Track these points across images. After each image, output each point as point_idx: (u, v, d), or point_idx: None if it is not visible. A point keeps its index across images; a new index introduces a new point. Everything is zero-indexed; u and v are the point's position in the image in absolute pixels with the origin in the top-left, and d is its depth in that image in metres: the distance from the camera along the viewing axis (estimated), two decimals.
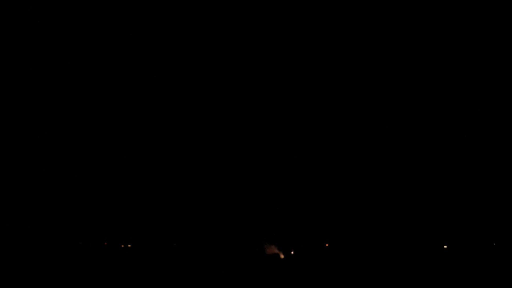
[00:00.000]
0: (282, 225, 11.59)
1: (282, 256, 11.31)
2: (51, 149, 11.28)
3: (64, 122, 11.25)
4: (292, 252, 11.37)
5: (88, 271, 10.92)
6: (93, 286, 10.39)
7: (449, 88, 11.67)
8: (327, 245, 11.51)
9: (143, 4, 11.09)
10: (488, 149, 11.66)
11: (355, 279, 10.71)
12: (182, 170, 11.55)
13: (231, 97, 11.44)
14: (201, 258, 11.27)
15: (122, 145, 11.40)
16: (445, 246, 11.63)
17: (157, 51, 11.37)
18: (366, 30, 11.40)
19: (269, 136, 11.55)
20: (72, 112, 11.26)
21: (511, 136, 11.48)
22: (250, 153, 11.54)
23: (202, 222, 11.52)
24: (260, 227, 11.51)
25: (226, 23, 11.27)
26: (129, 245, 11.29)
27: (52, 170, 11.30)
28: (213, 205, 11.54)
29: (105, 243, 11.25)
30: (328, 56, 11.52)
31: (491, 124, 11.65)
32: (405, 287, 10.51)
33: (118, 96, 11.32)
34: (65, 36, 11.17)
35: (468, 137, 11.67)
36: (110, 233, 11.37)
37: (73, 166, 11.35)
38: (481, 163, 11.70)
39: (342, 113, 11.57)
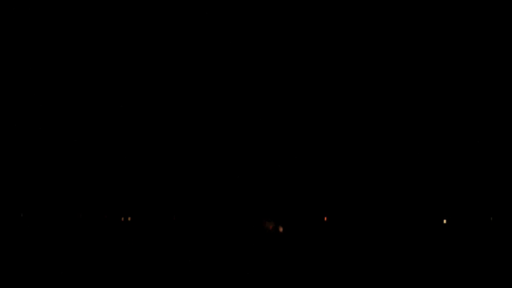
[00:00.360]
0: (281, 199, 11.59)
1: (281, 230, 11.31)
2: (50, 123, 11.34)
3: (64, 97, 11.32)
4: (290, 227, 11.37)
5: (88, 243, 10.91)
6: (93, 258, 10.45)
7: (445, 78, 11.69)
8: (325, 219, 11.49)
9: (143, 4, 11.12)
10: (484, 125, 11.66)
11: (353, 253, 10.71)
12: (182, 144, 11.58)
13: (226, 77, 11.49)
14: (200, 232, 11.28)
15: (120, 117, 11.45)
16: (444, 221, 11.59)
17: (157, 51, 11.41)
18: (366, 30, 11.42)
19: (265, 110, 11.58)
20: (70, 87, 11.32)
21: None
22: (247, 127, 11.57)
23: (201, 196, 11.54)
24: (259, 201, 11.51)
25: (226, 23, 11.31)
26: (129, 218, 11.32)
27: (50, 144, 11.34)
28: (212, 179, 11.57)
29: (105, 216, 11.30)
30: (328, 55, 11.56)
31: (488, 107, 11.66)
32: (404, 262, 10.50)
33: (114, 75, 11.38)
34: (65, 36, 11.22)
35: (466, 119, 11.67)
36: (110, 206, 11.39)
37: (72, 139, 11.40)
38: (478, 138, 11.69)
39: (336, 89, 11.60)
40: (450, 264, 10.44)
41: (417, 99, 11.58)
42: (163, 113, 11.42)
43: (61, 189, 11.27)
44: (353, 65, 11.48)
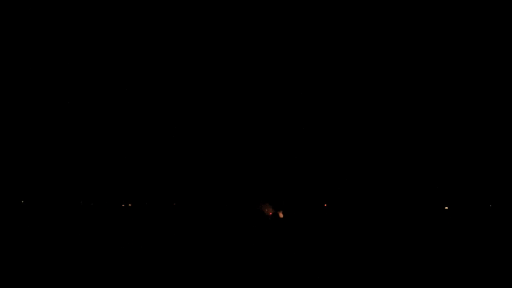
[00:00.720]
0: (281, 185, 11.50)
1: (281, 215, 11.19)
2: (54, 111, 11.37)
3: (69, 82, 11.37)
4: (291, 212, 11.25)
5: (88, 230, 10.84)
6: (93, 244, 10.32)
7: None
8: (325, 205, 11.39)
9: (143, 4, 11.27)
10: (484, 118, 11.66)
11: (353, 240, 10.42)
12: (181, 132, 11.54)
13: (230, 60, 11.52)
14: (200, 218, 11.19)
15: (121, 105, 11.47)
16: (446, 208, 11.49)
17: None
18: (366, 30, 11.52)
19: (265, 94, 11.60)
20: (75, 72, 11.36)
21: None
22: (246, 113, 11.54)
23: (201, 182, 11.46)
24: (259, 186, 11.43)
25: (226, 23, 11.42)
26: (129, 205, 11.22)
27: (54, 132, 11.35)
28: (212, 165, 11.50)
29: (106, 203, 11.23)
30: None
31: (489, 95, 11.67)
32: (404, 248, 10.30)
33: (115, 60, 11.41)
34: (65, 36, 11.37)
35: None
36: (110, 192, 11.32)
37: (75, 128, 11.41)
38: (479, 126, 11.66)
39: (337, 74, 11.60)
40: (450, 247, 10.27)
41: (422, 90, 11.56)
42: (163, 102, 11.42)
43: (63, 177, 11.24)
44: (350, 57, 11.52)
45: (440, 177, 11.70)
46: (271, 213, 11.20)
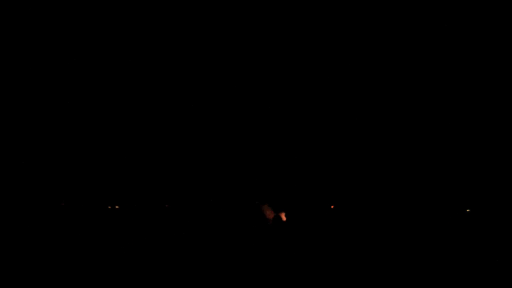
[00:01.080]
0: (284, 186, 10.96)
1: (284, 218, 10.61)
2: (39, 111, 11.10)
3: (55, 82, 11.09)
4: (294, 215, 10.65)
5: (73, 233, 10.32)
6: (79, 248, 9.75)
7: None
8: (332, 207, 10.71)
9: (143, 4, 11.09)
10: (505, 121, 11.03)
11: (362, 243, 9.79)
12: (174, 131, 11.16)
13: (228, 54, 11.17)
14: (195, 221, 10.68)
15: (111, 105, 11.14)
16: (468, 210, 10.80)
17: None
18: (366, 30, 11.11)
19: (266, 90, 11.12)
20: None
21: None
22: (246, 108, 11.09)
23: (196, 181, 11.04)
24: (259, 186, 10.92)
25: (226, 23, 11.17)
26: (116, 206, 10.82)
27: (39, 131, 11.07)
28: (208, 164, 11.09)
29: (90, 204, 10.84)
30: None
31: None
32: (420, 253, 9.79)
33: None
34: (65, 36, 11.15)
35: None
36: (96, 193, 10.92)
37: (59, 127, 11.09)
38: (500, 127, 11.07)
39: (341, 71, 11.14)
40: (472, 251, 9.77)
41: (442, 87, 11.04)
42: (157, 98, 11.02)
43: (47, 177, 10.87)
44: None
45: (461, 178, 11.10)
46: (272, 216, 10.58)
